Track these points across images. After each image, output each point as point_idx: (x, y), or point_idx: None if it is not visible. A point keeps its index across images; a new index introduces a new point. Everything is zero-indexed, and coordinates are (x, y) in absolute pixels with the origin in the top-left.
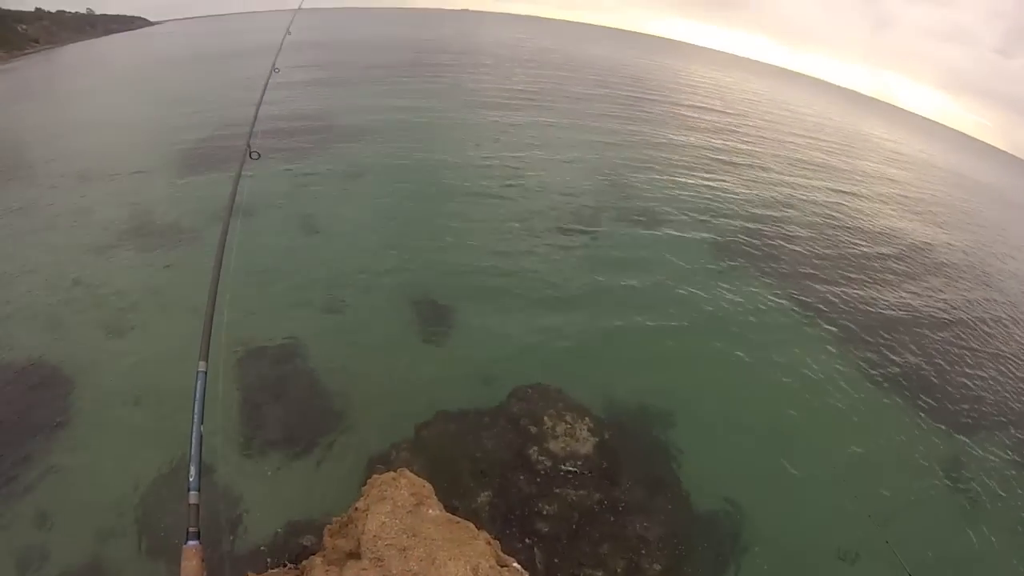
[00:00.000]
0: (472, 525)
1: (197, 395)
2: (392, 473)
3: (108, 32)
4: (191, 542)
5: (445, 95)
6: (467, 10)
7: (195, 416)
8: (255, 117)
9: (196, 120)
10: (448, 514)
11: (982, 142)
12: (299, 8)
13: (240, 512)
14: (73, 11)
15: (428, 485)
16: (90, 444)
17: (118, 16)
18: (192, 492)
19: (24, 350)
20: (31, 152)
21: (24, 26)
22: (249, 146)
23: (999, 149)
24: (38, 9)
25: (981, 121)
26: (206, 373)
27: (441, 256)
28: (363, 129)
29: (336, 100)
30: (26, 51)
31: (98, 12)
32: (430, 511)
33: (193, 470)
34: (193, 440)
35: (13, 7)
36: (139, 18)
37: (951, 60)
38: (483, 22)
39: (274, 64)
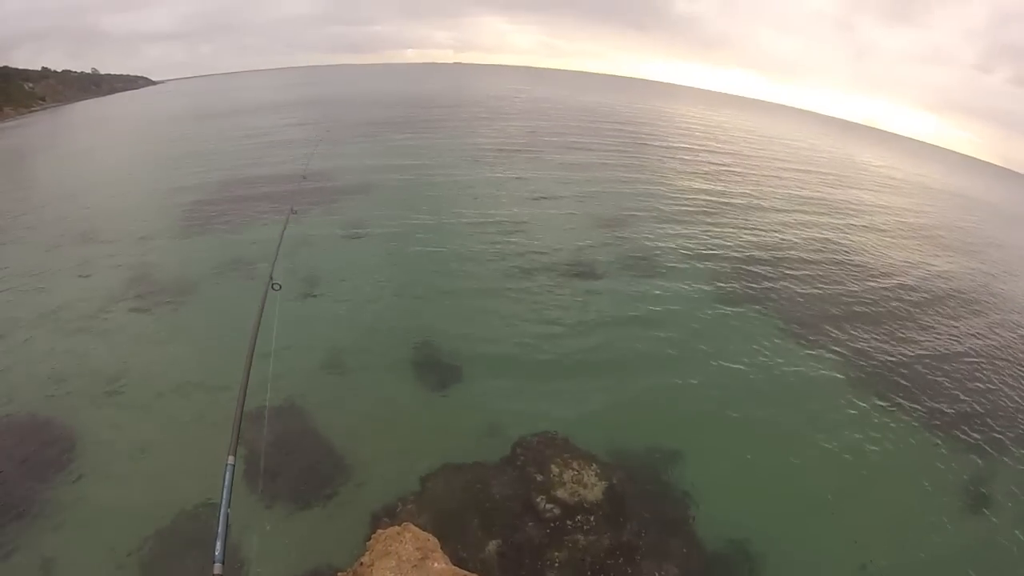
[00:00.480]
0: None
1: (225, 483)
2: (396, 528)
3: (112, 91)
4: None
5: (440, 150)
6: (459, 63)
7: (223, 501)
8: (278, 250)
9: (196, 178)
10: (454, 567)
11: (973, 158)
12: (313, 152)
13: (245, 568)
14: (79, 71)
15: (433, 539)
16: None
17: (122, 76)
18: (217, 564)
19: (24, 405)
20: (35, 211)
21: (31, 84)
22: (272, 278)
23: (989, 163)
24: (45, 68)
25: (969, 137)
26: (234, 466)
27: (442, 312)
28: (359, 188)
29: (331, 159)
30: (33, 108)
31: (103, 72)
32: (436, 564)
33: (219, 545)
34: (221, 519)
35: (21, 66)
36: (142, 77)
37: (933, 81)
38: (475, 74)
39: (291, 209)
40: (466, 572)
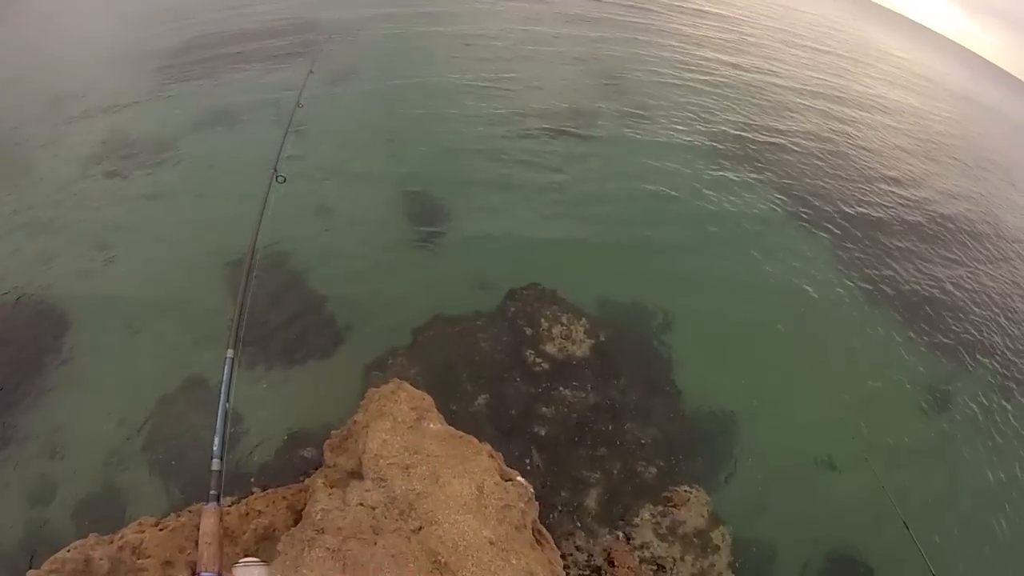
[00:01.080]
0: (474, 439)
1: (224, 378)
2: (390, 386)
3: None
4: (211, 504)
5: None
6: None
7: (222, 396)
8: (283, 142)
9: (169, 32)
10: (450, 428)
11: (996, 65)
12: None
13: (240, 427)
14: None
15: (428, 397)
16: (94, 377)
17: None
18: (215, 459)
19: (9, 286)
20: None
21: None
22: (276, 170)
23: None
24: None
25: (993, 42)
26: (234, 360)
27: (433, 155)
28: (347, 30)
29: (315, 4)
30: None
31: None
32: (431, 425)
33: (217, 440)
34: (219, 414)
35: None
36: None
37: None
38: None
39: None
40: (460, 431)
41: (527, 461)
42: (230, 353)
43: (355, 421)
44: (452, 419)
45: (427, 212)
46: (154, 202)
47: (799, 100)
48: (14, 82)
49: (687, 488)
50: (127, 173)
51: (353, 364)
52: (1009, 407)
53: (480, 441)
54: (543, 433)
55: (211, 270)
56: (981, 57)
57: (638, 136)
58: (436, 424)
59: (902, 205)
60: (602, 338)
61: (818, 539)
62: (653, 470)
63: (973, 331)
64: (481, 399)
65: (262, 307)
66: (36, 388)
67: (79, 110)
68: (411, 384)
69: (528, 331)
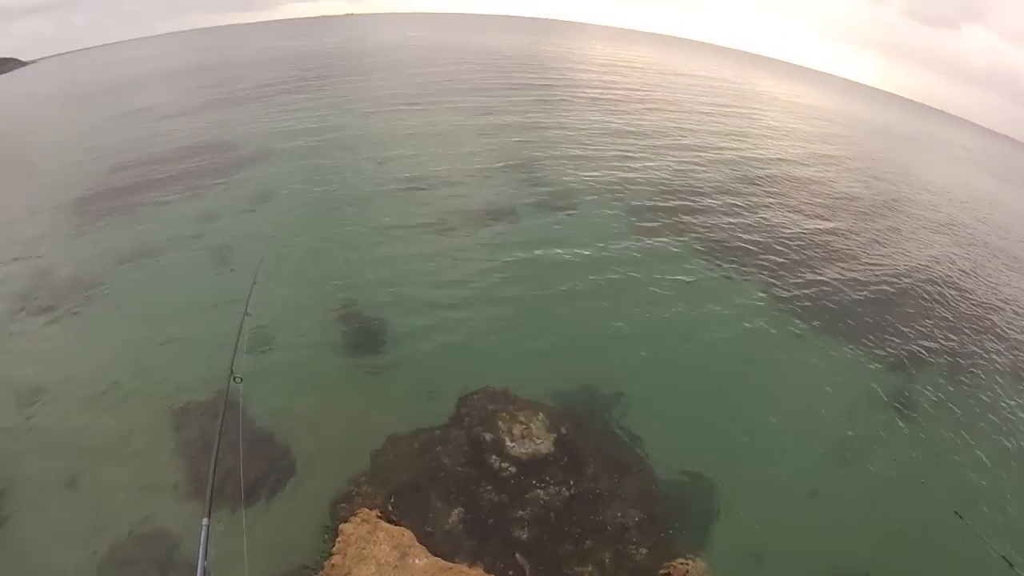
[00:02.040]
0: (465, 567)
1: (201, 543)
2: (366, 525)
3: None
4: None
5: (339, 108)
6: (351, 15)
7: (200, 560)
8: (238, 337)
9: (83, 166)
10: (437, 560)
11: (868, 85)
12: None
13: None
14: None
15: (407, 532)
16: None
17: None
18: None
19: None
20: None
21: None
22: (232, 370)
23: (883, 91)
24: None
25: (861, 65)
26: (208, 526)
27: (360, 271)
28: (261, 153)
29: (229, 126)
30: None
31: None
32: (416, 561)
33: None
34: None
35: None
36: (11, 59)
37: (828, 11)
38: (370, 25)
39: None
40: (448, 563)
41: (515, 569)
42: (205, 521)
43: (333, 565)
44: (429, 541)
45: (365, 332)
46: (81, 346)
47: (707, 159)
48: None
49: (683, 560)
50: (52, 316)
51: (317, 499)
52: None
53: (471, 566)
54: (525, 537)
55: (144, 413)
56: (853, 81)
57: (558, 222)
58: (422, 558)
59: (815, 235)
60: (563, 430)
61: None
62: (644, 550)
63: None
64: (455, 515)
65: (219, 452)
66: None
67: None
68: (380, 514)
69: (488, 436)
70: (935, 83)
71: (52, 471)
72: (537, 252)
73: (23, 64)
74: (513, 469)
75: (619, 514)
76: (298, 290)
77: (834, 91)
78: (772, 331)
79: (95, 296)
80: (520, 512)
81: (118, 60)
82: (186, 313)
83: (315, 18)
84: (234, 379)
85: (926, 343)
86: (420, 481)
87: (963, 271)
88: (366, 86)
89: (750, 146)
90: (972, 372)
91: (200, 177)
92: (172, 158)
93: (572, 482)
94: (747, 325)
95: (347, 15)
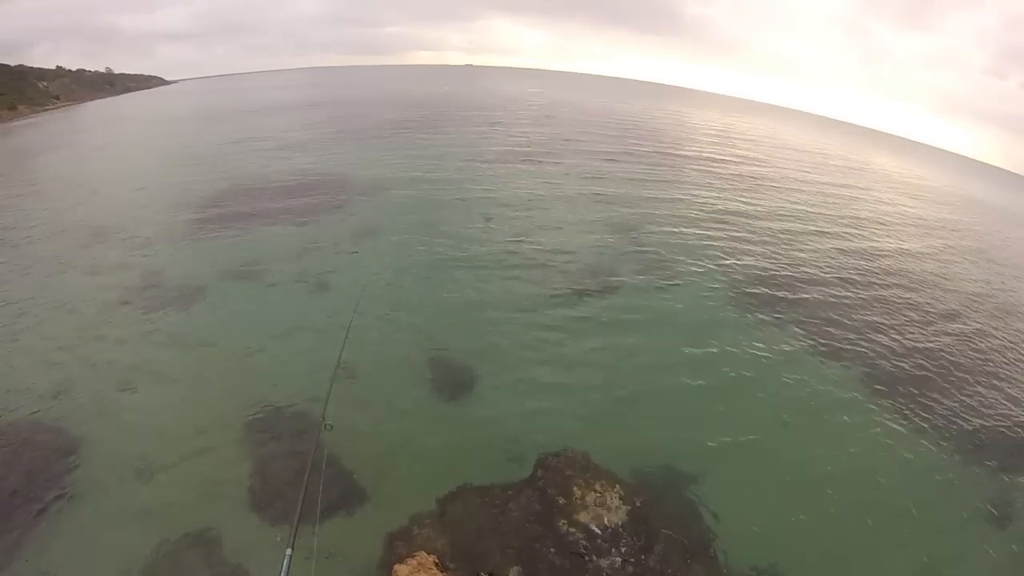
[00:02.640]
0: None
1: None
2: (422, 572)
3: (126, 90)
4: None
5: (455, 156)
6: (471, 65)
7: None
8: (329, 390)
9: (206, 180)
10: None
11: (983, 162)
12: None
13: None
14: (93, 70)
15: None
16: (96, 519)
17: (135, 75)
18: None
19: (28, 412)
20: (46, 209)
21: (46, 83)
22: (324, 418)
23: (1000, 167)
24: (59, 67)
25: (978, 142)
26: (291, 556)
27: (456, 326)
28: (372, 191)
29: (344, 161)
30: (47, 107)
31: (117, 71)
32: None
33: None
34: None
35: (36, 64)
36: (155, 77)
37: (945, 85)
38: (487, 76)
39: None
40: None
41: None
42: (289, 551)
43: None
44: None
45: (454, 380)
46: (178, 348)
47: (814, 237)
48: (61, 212)
49: None
50: (155, 315)
51: (375, 533)
52: None
53: None
54: None
55: (228, 424)
56: (970, 158)
57: (661, 292)
58: None
59: (927, 328)
60: (638, 503)
61: None
62: None
63: None
64: (512, 572)
65: (282, 468)
66: (41, 522)
67: (118, 246)
68: (437, 560)
69: (560, 500)
70: None
71: (128, 460)
72: (636, 326)
73: (166, 83)
74: (581, 536)
75: None
76: (392, 330)
77: (952, 169)
78: (884, 441)
79: (197, 302)
80: None
81: (250, 88)
82: (279, 334)
83: (437, 66)
84: (325, 426)
85: None
86: (484, 532)
87: None
88: (482, 137)
89: (864, 232)
90: None
91: (311, 207)
92: (287, 185)
93: (638, 557)
94: (851, 420)
95: (466, 65)
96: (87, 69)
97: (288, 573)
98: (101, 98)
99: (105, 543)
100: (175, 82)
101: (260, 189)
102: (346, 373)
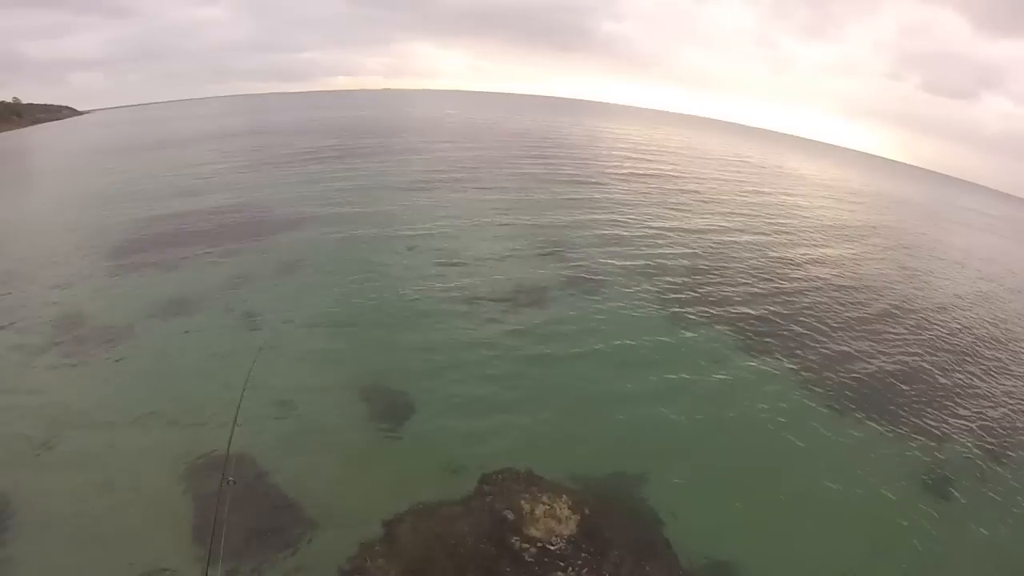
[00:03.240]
0: None
1: None
2: None
3: (36, 122)
4: None
5: (374, 180)
6: (388, 88)
7: None
8: (229, 441)
9: (123, 215)
10: None
11: (887, 159)
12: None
13: None
14: None
15: None
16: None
17: (45, 106)
18: None
19: None
20: None
21: None
22: (224, 474)
23: (903, 163)
24: None
25: (881, 141)
26: None
27: (386, 344)
28: (295, 218)
29: (266, 189)
30: None
31: (25, 101)
32: None
33: None
34: None
35: None
36: (66, 107)
37: (848, 89)
38: (405, 99)
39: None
40: None
41: None
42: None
43: None
44: None
45: (386, 404)
46: (104, 394)
47: (735, 234)
48: None
49: None
50: (80, 357)
51: (326, 568)
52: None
53: None
54: None
55: (163, 466)
56: (875, 155)
57: (590, 305)
58: None
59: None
60: (587, 511)
61: None
62: None
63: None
64: None
65: (233, 511)
66: None
67: (33, 287)
68: None
69: (509, 515)
70: (955, 152)
71: (58, 512)
72: (565, 336)
73: (78, 112)
74: (534, 550)
75: None
76: (320, 357)
77: (856, 166)
78: (807, 417)
79: (121, 345)
80: None
81: (166, 118)
82: (205, 380)
83: (355, 91)
84: (227, 481)
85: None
86: (435, 556)
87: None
88: (402, 160)
89: (778, 226)
90: (1011, 452)
91: (234, 237)
92: (209, 215)
93: (593, 565)
94: (779, 401)
95: (384, 89)
96: None
97: None
98: (8, 130)
99: None
100: (88, 112)
101: (182, 219)
102: (277, 404)
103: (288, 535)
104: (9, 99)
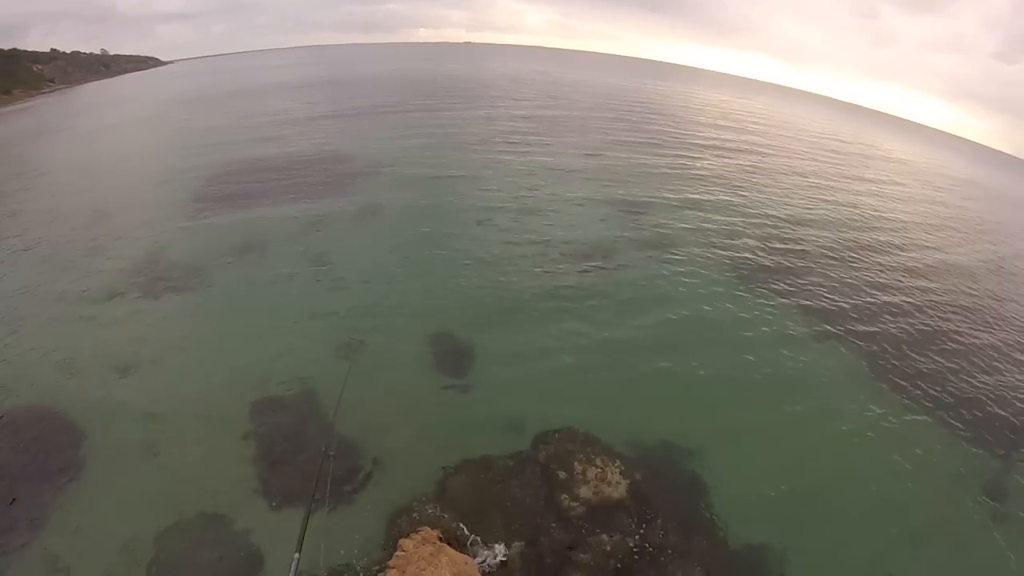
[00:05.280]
0: None
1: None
2: (428, 546)
3: (122, 72)
4: None
5: (458, 134)
6: (470, 43)
7: None
8: (334, 417)
9: (205, 159)
10: None
11: (987, 147)
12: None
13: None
14: (88, 52)
15: (471, 562)
16: (104, 498)
17: (132, 56)
18: None
19: (34, 395)
20: (45, 193)
21: (40, 66)
22: (327, 448)
23: (1004, 152)
24: (53, 50)
25: (985, 127)
26: (299, 561)
27: (458, 295)
28: (373, 168)
29: (345, 139)
30: (43, 90)
31: (112, 53)
32: None
33: None
34: None
35: (31, 48)
36: (152, 58)
37: (953, 69)
38: (487, 54)
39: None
40: None
41: None
42: (296, 556)
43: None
44: (484, 570)
45: (455, 356)
46: (182, 331)
47: (813, 215)
48: (60, 196)
49: None
50: (158, 295)
51: (380, 507)
52: None
53: None
54: None
55: (231, 402)
56: (975, 143)
57: (660, 272)
58: None
59: (919, 295)
60: (638, 477)
61: None
62: None
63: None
64: (515, 546)
65: (283, 443)
66: (49, 503)
67: (119, 227)
68: (442, 535)
69: (562, 475)
70: None
71: (134, 441)
72: (637, 304)
73: (162, 63)
74: (582, 510)
75: (680, 573)
76: (395, 306)
77: (959, 153)
78: (870, 407)
79: (199, 285)
80: (582, 555)
81: (248, 67)
82: (279, 318)
83: (436, 43)
84: (328, 455)
85: None
86: (485, 508)
87: None
88: (484, 116)
89: (869, 209)
90: None
91: (311, 185)
92: (287, 164)
93: (638, 531)
94: (841, 398)
95: (465, 43)
96: (82, 51)
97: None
98: (97, 80)
99: (114, 523)
100: (172, 63)
101: (261, 168)
102: (349, 348)
103: (346, 472)
104: (97, 51)
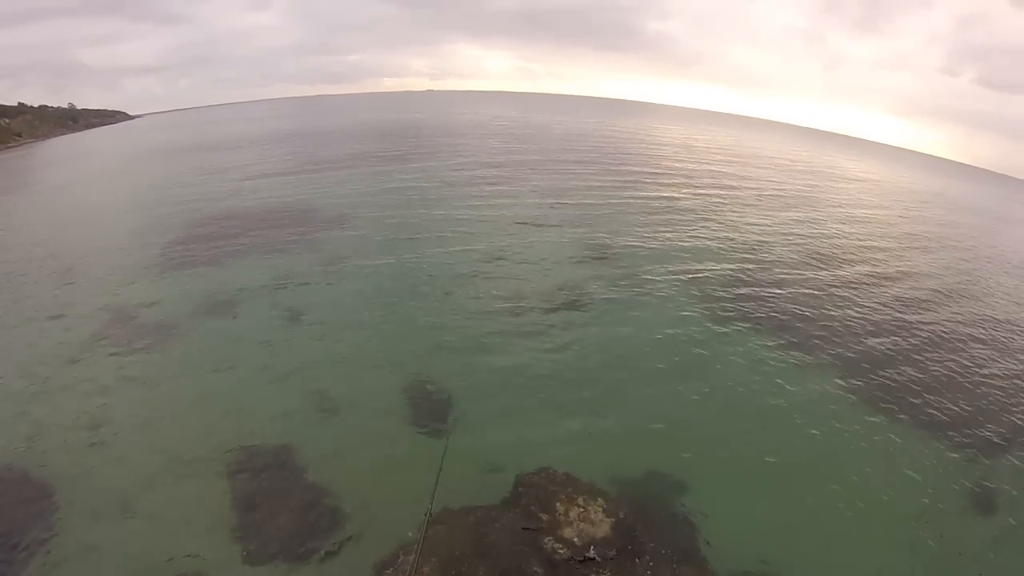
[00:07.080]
0: None
1: None
2: None
3: (89, 126)
4: None
5: (421, 181)
6: (432, 90)
7: None
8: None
9: (173, 215)
10: None
11: (942, 159)
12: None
13: None
14: (55, 105)
15: None
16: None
17: (99, 111)
18: None
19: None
20: (10, 250)
21: (7, 120)
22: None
23: (960, 163)
24: (21, 104)
25: (938, 139)
26: None
27: (430, 349)
28: (342, 218)
29: (311, 190)
30: (9, 145)
31: (80, 107)
32: None
33: None
34: None
35: None
36: (120, 112)
37: (902, 86)
38: (450, 101)
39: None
40: None
41: None
42: None
43: None
44: None
45: (431, 404)
46: (150, 388)
47: (783, 247)
48: (25, 252)
49: None
50: (127, 354)
51: (362, 562)
52: None
53: None
54: None
55: (201, 462)
56: (929, 155)
57: (628, 303)
58: None
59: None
60: (621, 515)
61: None
62: None
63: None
64: None
65: (265, 502)
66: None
67: (86, 285)
68: None
69: (544, 516)
70: (1013, 150)
71: (107, 495)
72: (606, 338)
73: (130, 117)
74: (566, 552)
75: None
76: (367, 356)
77: (911, 166)
78: (848, 423)
79: (170, 339)
80: None
81: (216, 121)
82: (251, 375)
83: (399, 92)
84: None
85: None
86: (469, 555)
87: None
88: (447, 164)
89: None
90: None
91: (280, 236)
92: (255, 215)
93: (625, 569)
94: (822, 413)
95: (427, 90)
96: (50, 105)
97: None
98: (64, 134)
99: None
100: (139, 116)
101: (230, 219)
102: (323, 400)
103: (327, 528)
104: (64, 105)
